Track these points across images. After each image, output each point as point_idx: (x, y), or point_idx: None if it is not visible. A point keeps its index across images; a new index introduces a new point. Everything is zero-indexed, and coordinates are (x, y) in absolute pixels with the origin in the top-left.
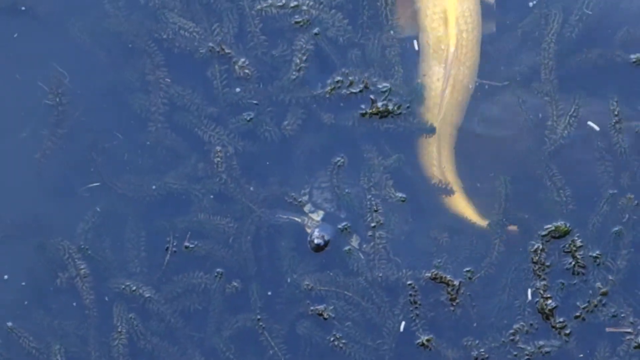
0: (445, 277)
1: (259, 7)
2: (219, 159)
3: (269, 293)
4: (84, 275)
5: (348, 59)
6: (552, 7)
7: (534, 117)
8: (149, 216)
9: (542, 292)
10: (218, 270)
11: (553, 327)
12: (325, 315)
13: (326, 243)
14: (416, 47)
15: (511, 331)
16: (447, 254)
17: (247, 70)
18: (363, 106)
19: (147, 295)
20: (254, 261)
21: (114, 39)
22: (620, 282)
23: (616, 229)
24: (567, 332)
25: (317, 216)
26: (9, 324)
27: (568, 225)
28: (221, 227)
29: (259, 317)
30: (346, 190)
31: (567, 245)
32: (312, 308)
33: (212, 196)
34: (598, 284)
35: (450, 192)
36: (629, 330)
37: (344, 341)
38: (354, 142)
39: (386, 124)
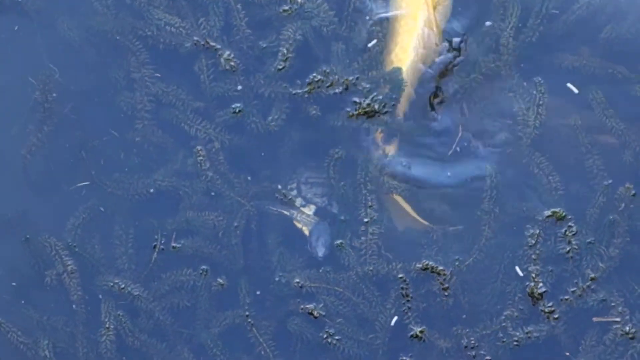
0: (437, 267)
1: None
2: (201, 158)
3: (258, 292)
4: (71, 272)
5: (332, 53)
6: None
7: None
8: (137, 214)
9: (533, 275)
10: (204, 267)
11: (542, 311)
12: (316, 314)
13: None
14: None
15: (502, 317)
16: (437, 245)
17: (232, 63)
18: (348, 109)
19: (135, 292)
20: (243, 256)
21: (102, 36)
22: (612, 271)
23: (611, 217)
24: (556, 316)
25: (309, 210)
26: None
27: (563, 211)
28: (210, 222)
29: (247, 313)
30: (342, 183)
31: (563, 231)
32: (302, 307)
33: (200, 193)
34: (588, 271)
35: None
36: (616, 319)
37: (337, 337)
38: (341, 138)
39: (375, 124)
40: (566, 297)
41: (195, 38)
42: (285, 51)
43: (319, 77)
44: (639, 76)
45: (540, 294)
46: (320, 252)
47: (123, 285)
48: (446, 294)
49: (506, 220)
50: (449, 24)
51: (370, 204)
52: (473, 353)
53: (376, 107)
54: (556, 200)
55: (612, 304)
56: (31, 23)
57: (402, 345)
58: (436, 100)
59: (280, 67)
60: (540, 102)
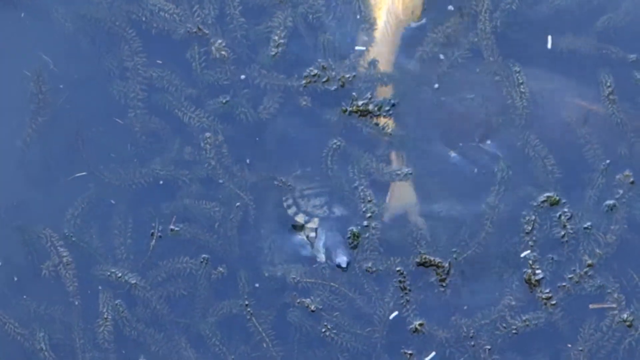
0: (435, 260)
1: None
2: (208, 145)
3: (257, 285)
4: (67, 263)
5: (319, 43)
6: None
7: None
8: (135, 203)
9: (530, 262)
10: (204, 256)
11: (540, 298)
12: (313, 308)
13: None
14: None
15: (499, 306)
16: (434, 238)
17: (223, 52)
18: (344, 103)
19: (132, 281)
20: (239, 247)
21: (96, 25)
22: (609, 257)
23: (610, 202)
24: (553, 303)
25: (314, 224)
26: None
27: (557, 195)
28: (207, 212)
29: (246, 302)
30: (337, 170)
31: (558, 217)
32: (298, 301)
33: (198, 182)
34: (585, 257)
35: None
36: (613, 305)
37: (334, 331)
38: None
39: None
40: (563, 283)
41: (189, 25)
42: (276, 38)
43: (315, 71)
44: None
45: (538, 281)
46: (343, 262)
47: (120, 274)
48: (444, 285)
49: (502, 207)
50: None
51: (369, 198)
52: (472, 343)
53: (370, 107)
54: (552, 183)
55: (609, 291)
56: (25, 13)
57: (401, 339)
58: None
59: (273, 53)
60: (521, 82)
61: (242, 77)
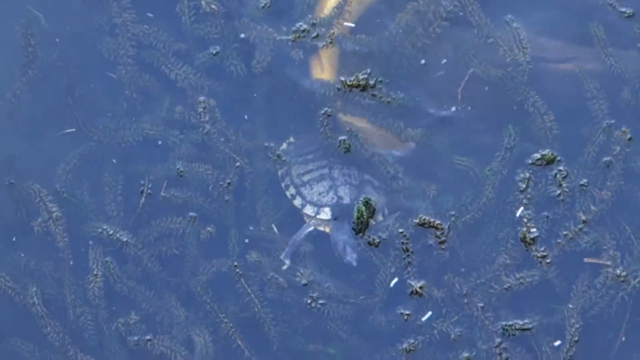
0: (434, 222)
1: None
2: (202, 109)
3: (246, 241)
4: (57, 219)
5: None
6: None
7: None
8: (126, 161)
9: (526, 220)
10: (192, 214)
11: (535, 256)
12: (304, 282)
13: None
14: None
15: (494, 266)
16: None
17: (213, 6)
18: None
19: (124, 239)
20: (234, 211)
21: None
22: (604, 214)
23: (606, 159)
24: (548, 261)
25: (326, 215)
26: None
27: (554, 153)
28: (200, 175)
29: (235, 263)
30: (340, 138)
31: (554, 174)
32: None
33: (190, 143)
34: (580, 213)
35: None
36: (607, 262)
37: (321, 301)
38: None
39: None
40: (558, 240)
41: None
42: None
43: (305, 26)
44: None
45: (533, 239)
46: (353, 260)
47: (111, 232)
48: (443, 247)
49: (505, 173)
50: None
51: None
52: (465, 300)
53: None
54: (550, 141)
55: (604, 247)
56: None
57: (399, 300)
58: None
59: (262, 4)
60: (521, 37)
61: (242, 35)
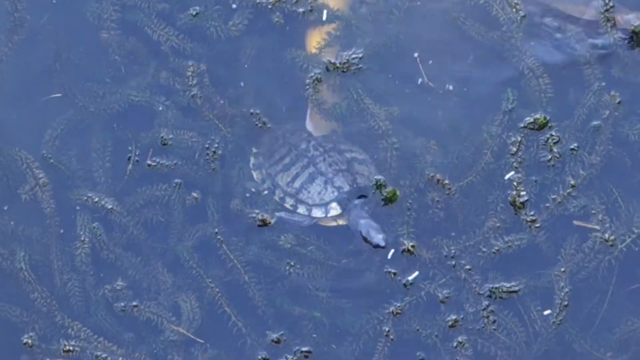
0: (443, 179)
1: None
2: (190, 73)
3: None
4: (44, 185)
5: None
6: None
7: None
8: (112, 127)
9: (515, 184)
10: (177, 180)
11: (524, 220)
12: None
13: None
14: None
15: (484, 229)
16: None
17: None
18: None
19: (109, 207)
20: (220, 179)
21: None
22: (593, 178)
23: (596, 123)
24: (537, 225)
25: (335, 210)
26: None
27: (547, 117)
28: (185, 142)
29: (216, 230)
30: (337, 103)
31: (545, 139)
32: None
33: (176, 109)
34: (569, 178)
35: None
36: (596, 227)
37: (298, 266)
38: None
39: None
40: (547, 204)
41: None
42: None
43: None
44: None
45: (522, 203)
46: (381, 242)
47: (97, 199)
48: (438, 207)
49: (504, 137)
50: None
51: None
52: (453, 262)
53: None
54: (543, 104)
55: (593, 212)
56: None
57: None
58: None
59: None
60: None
61: (234, 6)
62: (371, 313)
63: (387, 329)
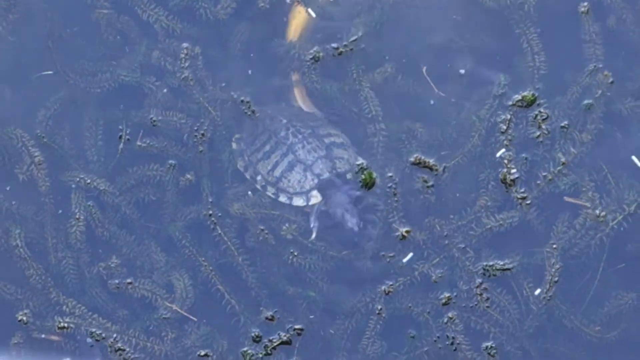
0: (429, 162)
1: None
2: (184, 56)
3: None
4: (39, 163)
5: None
6: None
7: None
8: (104, 106)
9: (506, 161)
10: (171, 162)
11: (514, 197)
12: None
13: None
14: None
15: (475, 207)
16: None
17: None
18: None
19: (101, 187)
20: (209, 161)
21: None
22: (583, 156)
23: (587, 101)
24: (528, 202)
25: (316, 198)
26: None
27: (535, 94)
28: (174, 124)
29: (210, 212)
30: (327, 86)
31: (534, 116)
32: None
33: (165, 90)
34: (559, 155)
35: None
36: (586, 204)
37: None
38: None
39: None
40: (537, 181)
41: None
42: None
43: None
44: None
45: (513, 181)
46: (354, 225)
47: (89, 180)
48: (429, 190)
49: (493, 120)
50: None
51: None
52: (446, 242)
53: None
54: (535, 81)
55: (583, 189)
56: None
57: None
58: None
59: None
60: None
61: None
62: (364, 293)
63: (379, 307)
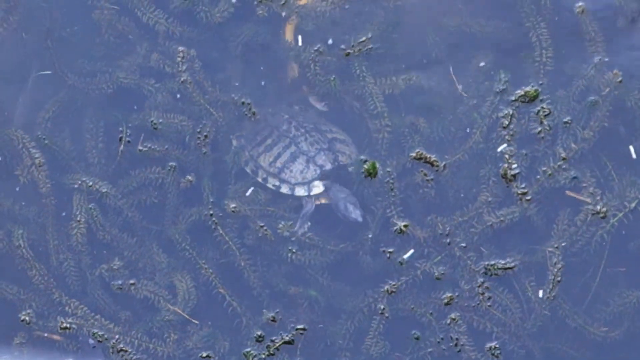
0: (430, 157)
1: None
2: (180, 59)
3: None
4: (40, 164)
5: None
6: None
7: None
8: (104, 108)
9: (507, 156)
10: (171, 164)
11: (515, 193)
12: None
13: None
14: None
15: (476, 203)
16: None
17: None
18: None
19: (103, 190)
20: (211, 162)
21: None
22: (585, 152)
23: (592, 98)
24: (528, 198)
25: (318, 189)
26: None
27: (537, 89)
28: (175, 126)
29: (211, 212)
30: (332, 77)
31: (536, 111)
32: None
33: (166, 92)
34: (560, 150)
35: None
36: (587, 199)
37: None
38: None
39: None
40: (538, 177)
41: None
42: None
43: None
44: None
45: (514, 176)
46: (358, 216)
47: (91, 183)
48: (429, 185)
49: (494, 117)
50: None
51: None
52: (448, 240)
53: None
54: (541, 76)
55: (584, 185)
56: None
57: (383, 239)
58: None
59: None
60: None
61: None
62: (366, 292)
63: (382, 307)
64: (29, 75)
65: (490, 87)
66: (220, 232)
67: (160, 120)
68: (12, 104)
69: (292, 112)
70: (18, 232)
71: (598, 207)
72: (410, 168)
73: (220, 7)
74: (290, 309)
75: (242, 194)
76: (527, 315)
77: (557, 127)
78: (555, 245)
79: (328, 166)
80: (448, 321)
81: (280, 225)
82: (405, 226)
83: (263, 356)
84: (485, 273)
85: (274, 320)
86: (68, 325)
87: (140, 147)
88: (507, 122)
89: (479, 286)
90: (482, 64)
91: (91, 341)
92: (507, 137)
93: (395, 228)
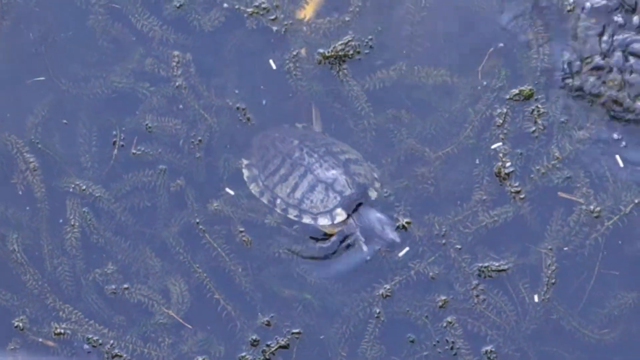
0: (423, 150)
1: None
2: (175, 64)
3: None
4: (34, 169)
5: None
6: None
7: None
8: (98, 112)
9: (501, 155)
10: (161, 167)
11: (509, 191)
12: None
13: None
14: None
15: (471, 203)
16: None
17: None
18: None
19: (97, 194)
20: (205, 167)
21: None
22: (580, 152)
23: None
24: (522, 197)
25: (341, 216)
26: None
27: (532, 89)
28: (169, 130)
29: (197, 220)
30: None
31: (531, 110)
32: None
33: (160, 96)
34: (554, 149)
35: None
36: (580, 200)
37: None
38: None
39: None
40: (531, 175)
41: None
42: None
43: (266, 4)
44: None
45: (507, 174)
46: (396, 237)
47: (85, 187)
48: (428, 182)
49: (488, 114)
50: None
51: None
52: (443, 241)
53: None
54: (537, 75)
55: (577, 185)
56: None
57: None
58: None
59: None
60: None
61: (225, 5)
62: (361, 294)
63: (377, 310)
64: (22, 81)
65: (486, 86)
66: (208, 239)
67: (155, 124)
68: (5, 109)
69: (300, 135)
70: (12, 236)
71: (591, 207)
72: (405, 165)
73: (212, 15)
74: (284, 313)
75: (233, 198)
76: (522, 317)
77: (552, 125)
78: (550, 247)
79: (347, 192)
80: (444, 324)
81: (268, 217)
82: (407, 223)
83: None
84: (480, 275)
85: (268, 325)
86: (62, 331)
87: (134, 151)
88: (501, 121)
89: (473, 288)
90: (480, 64)
91: (86, 346)
92: (501, 135)
93: (397, 224)
